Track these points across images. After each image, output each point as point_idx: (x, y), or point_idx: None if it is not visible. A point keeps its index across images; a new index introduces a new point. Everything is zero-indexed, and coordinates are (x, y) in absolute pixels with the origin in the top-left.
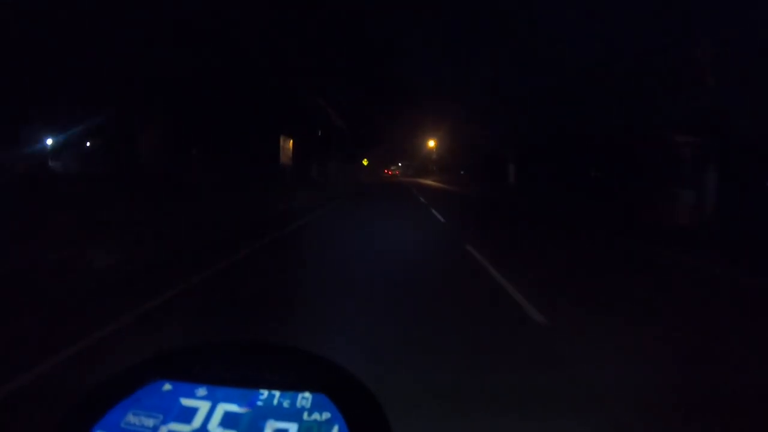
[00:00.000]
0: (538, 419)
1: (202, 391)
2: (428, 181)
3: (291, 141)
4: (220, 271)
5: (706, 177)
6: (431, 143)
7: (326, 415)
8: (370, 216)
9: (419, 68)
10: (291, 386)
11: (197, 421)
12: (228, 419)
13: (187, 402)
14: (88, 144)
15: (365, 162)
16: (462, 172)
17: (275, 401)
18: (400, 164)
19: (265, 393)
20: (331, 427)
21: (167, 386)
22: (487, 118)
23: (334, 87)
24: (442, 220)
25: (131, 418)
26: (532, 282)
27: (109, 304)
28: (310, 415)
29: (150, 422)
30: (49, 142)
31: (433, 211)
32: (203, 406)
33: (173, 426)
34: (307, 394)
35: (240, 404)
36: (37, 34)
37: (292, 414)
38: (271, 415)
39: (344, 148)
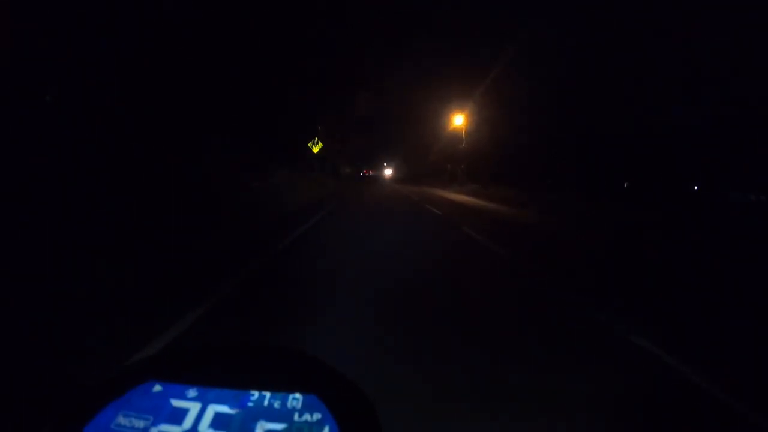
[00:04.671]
0: None
1: (192, 392)
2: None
3: None
4: None
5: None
6: (458, 120)
7: (317, 416)
8: None
9: None
10: (282, 387)
11: (188, 422)
12: (219, 420)
13: (177, 403)
14: None
15: (315, 148)
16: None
17: (266, 402)
18: (385, 164)
19: (255, 394)
20: (322, 428)
21: (157, 387)
22: None
23: None
24: None
25: (121, 420)
26: None
27: None
28: (301, 416)
29: (140, 423)
30: None
31: None
32: (194, 407)
33: (163, 427)
34: (297, 395)
35: (231, 405)
36: None
37: (283, 415)
38: (262, 416)
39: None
